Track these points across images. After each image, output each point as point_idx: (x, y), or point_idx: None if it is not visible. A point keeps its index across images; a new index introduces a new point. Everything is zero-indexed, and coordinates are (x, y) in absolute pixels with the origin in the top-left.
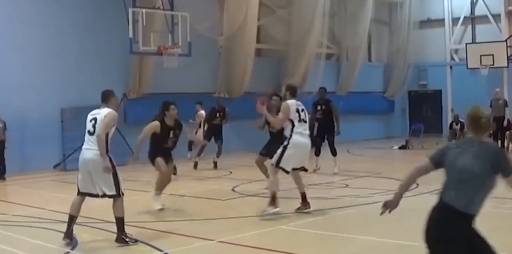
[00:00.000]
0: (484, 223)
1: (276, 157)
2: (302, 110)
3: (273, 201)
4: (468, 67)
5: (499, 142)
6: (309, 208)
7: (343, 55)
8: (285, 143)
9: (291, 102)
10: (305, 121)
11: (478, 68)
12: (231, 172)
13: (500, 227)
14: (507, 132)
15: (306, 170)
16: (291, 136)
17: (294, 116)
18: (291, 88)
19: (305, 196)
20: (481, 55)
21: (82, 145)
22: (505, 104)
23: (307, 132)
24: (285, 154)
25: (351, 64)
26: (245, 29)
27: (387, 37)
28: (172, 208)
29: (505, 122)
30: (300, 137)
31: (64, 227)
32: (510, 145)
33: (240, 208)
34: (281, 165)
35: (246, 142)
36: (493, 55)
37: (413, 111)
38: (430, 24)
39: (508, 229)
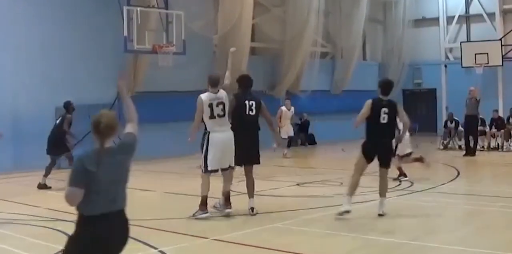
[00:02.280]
0: (476, 223)
1: (201, 161)
2: (218, 104)
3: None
4: (463, 66)
5: (472, 140)
6: (230, 208)
7: (338, 54)
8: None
9: (203, 98)
10: (221, 116)
11: (473, 67)
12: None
13: (493, 226)
14: (502, 130)
15: (228, 168)
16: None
17: (206, 112)
18: (209, 79)
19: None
20: (475, 54)
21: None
22: (477, 102)
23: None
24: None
25: (345, 63)
26: (239, 28)
27: (382, 36)
28: (166, 206)
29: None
30: (217, 134)
31: (59, 225)
32: (505, 143)
33: (234, 206)
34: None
35: None
36: (487, 54)
37: (407, 110)
38: (424, 22)
39: (501, 228)
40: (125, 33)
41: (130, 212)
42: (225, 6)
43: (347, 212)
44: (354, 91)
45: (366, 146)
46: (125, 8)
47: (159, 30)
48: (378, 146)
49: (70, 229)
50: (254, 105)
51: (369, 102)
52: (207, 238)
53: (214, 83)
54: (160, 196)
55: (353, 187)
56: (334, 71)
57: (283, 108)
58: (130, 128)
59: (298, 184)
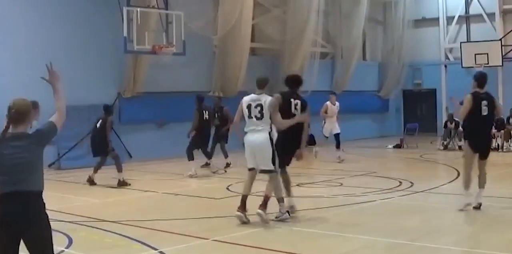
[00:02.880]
0: (477, 223)
1: None
2: (256, 106)
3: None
4: (463, 66)
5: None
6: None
7: (338, 54)
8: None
9: (245, 99)
10: (258, 118)
11: (473, 67)
12: (225, 171)
13: (494, 227)
14: (502, 131)
15: (264, 171)
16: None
17: (244, 112)
18: (256, 81)
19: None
20: (475, 54)
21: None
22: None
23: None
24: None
25: (345, 63)
26: (239, 28)
27: (382, 36)
28: (167, 207)
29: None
30: (249, 134)
31: (60, 226)
32: (505, 144)
33: (235, 207)
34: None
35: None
36: (487, 54)
37: (407, 111)
38: (424, 23)
39: (502, 228)
40: (125, 34)
41: (130, 213)
42: (225, 7)
43: (469, 205)
44: (355, 92)
45: (471, 138)
46: (125, 9)
47: (159, 30)
48: (481, 137)
49: (71, 229)
50: (299, 104)
51: (469, 96)
52: (207, 239)
53: (259, 85)
54: (160, 197)
55: (468, 181)
56: (334, 71)
57: (328, 103)
58: (53, 117)
59: (298, 185)
